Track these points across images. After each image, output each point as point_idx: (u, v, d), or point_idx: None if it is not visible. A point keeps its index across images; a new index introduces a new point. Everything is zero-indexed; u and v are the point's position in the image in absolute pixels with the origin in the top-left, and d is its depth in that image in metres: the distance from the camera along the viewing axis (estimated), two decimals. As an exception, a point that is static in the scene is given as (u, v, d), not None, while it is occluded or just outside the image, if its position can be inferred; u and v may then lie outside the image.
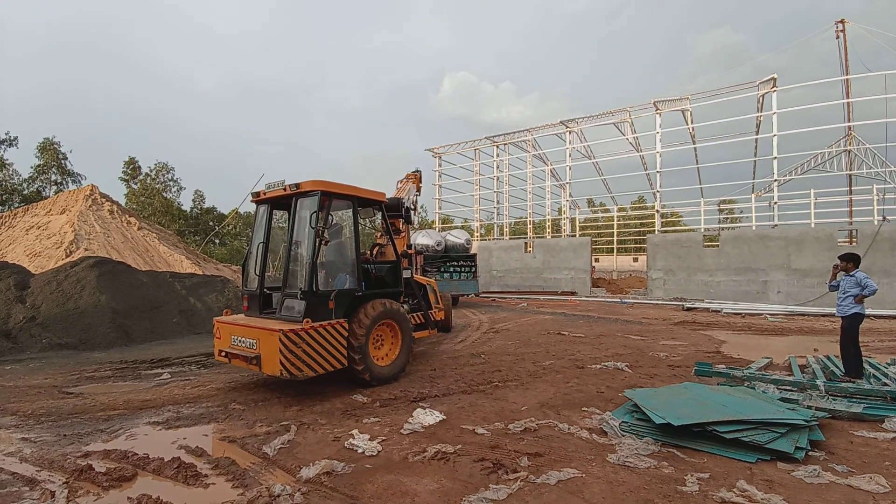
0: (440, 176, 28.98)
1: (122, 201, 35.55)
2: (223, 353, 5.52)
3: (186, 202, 43.48)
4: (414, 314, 7.30)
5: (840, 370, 6.16)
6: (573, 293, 21.20)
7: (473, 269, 17.57)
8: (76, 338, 9.04)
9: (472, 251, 18.99)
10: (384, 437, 4.02)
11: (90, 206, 16.39)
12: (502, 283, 23.95)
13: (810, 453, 3.57)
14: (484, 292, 23.06)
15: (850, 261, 6.03)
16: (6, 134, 29.30)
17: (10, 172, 28.96)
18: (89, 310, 9.51)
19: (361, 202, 6.14)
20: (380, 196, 6.31)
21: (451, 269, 17.26)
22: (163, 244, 16.77)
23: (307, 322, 4.98)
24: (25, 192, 30.22)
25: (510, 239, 27.42)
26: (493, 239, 28.16)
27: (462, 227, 31.32)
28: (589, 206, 46.41)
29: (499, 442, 3.90)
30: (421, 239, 17.56)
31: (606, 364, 6.92)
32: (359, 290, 5.77)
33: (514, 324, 12.23)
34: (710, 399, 4.27)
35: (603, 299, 19.72)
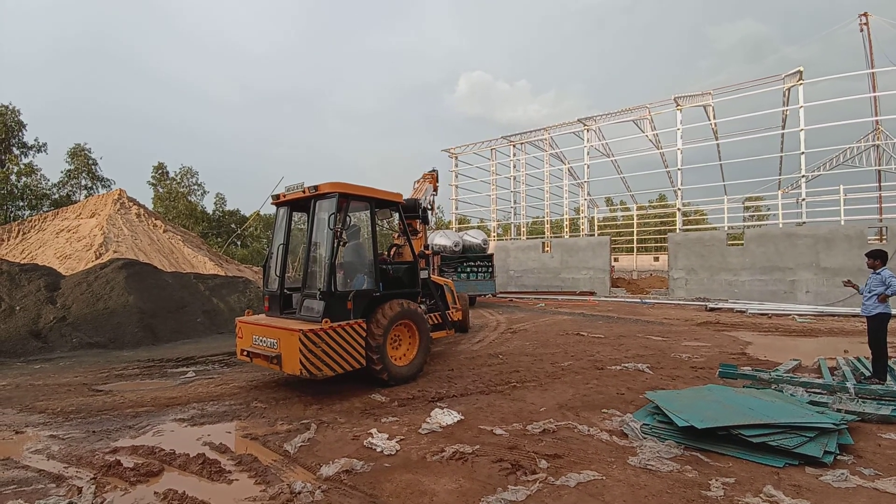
0: (456, 176, 28.98)
1: (149, 205, 36.79)
2: (245, 353, 5.64)
3: (209, 205, 44.66)
4: (431, 314, 7.32)
5: (869, 371, 5.95)
6: (592, 293, 20.93)
7: (490, 269, 17.52)
8: (105, 337, 9.35)
9: (489, 251, 18.91)
10: (402, 437, 4.05)
11: (118, 210, 16.94)
12: (520, 284, 23.81)
13: (839, 457, 3.45)
14: (501, 292, 22.96)
15: (877, 258, 5.79)
16: (35, 140, 30.46)
17: (39, 178, 30.07)
18: (118, 310, 9.83)
19: (378, 203, 6.20)
20: (396, 197, 6.35)
21: (469, 270, 17.25)
22: (187, 246, 17.22)
23: (326, 322, 5.05)
24: (55, 196, 31.37)
25: (527, 239, 27.24)
26: (511, 239, 28.00)
27: (479, 228, 31.28)
28: (608, 205, 45.73)
29: (517, 443, 3.88)
30: (438, 239, 17.59)
31: (626, 365, 6.82)
32: (376, 291, 5.82)
33: (532, 324, 12.14)
34: (735, 402, 4.16)
35: (623, 299, 19.42)
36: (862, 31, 22.40)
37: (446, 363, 7.26)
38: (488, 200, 29.08)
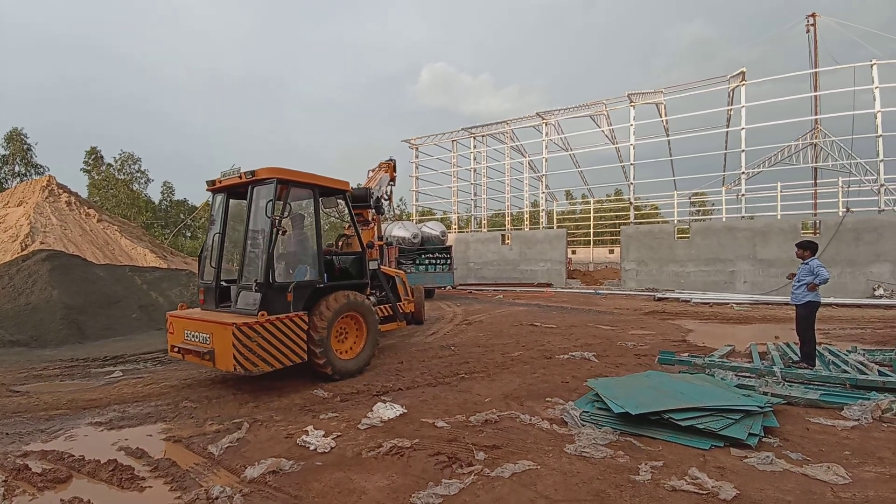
0: (417, 168, 28.70)
1: (86, 193, 34.18)
2: (176, 349, 5.28)
3: (155, 194, 42.10)
4: (381, 306, 7.15)
5: (798, 356, 6.30)
6: (549, 285, 21.36)
7: (449, 261, 17.47)
8: (27, 335, 8.58)
9: (448, 243, 18.85)
10: (339, 433, 3.89)
11: (47, 198, 15.57)
12: (479, 276, 23.96)
13: (764, 440, 3.59)
14: (461, 285, 23.02)
15: (807, 248, 6.13)
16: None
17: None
18: (41, 305, 9.04)
19: (323, 191, 5.94)
20: (343, 185, 6.11)
21: (427, 262, 17.13)
22: (125, 237, 16.10)
23: (262, 315, 4.79)
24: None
25: (487, 231, 27.42)
26: (471, 231, 28.11)
27: (440, 220, 31.18)
28: (567, 199, 46.78)
29: (457, 435, 3.81)
30: (397, 231, 17.35)
31: (574, 354, 6.93)
32: (320, 282, 5.58)
33: (488, 315, 12.20)
34: (669, 387, 4.28)
35: (578, 290, 19.93)
36: (808, 31, 23.79)
37: (397, 356, 7.13)
38: (449, 192, 29.04)
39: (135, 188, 34.69)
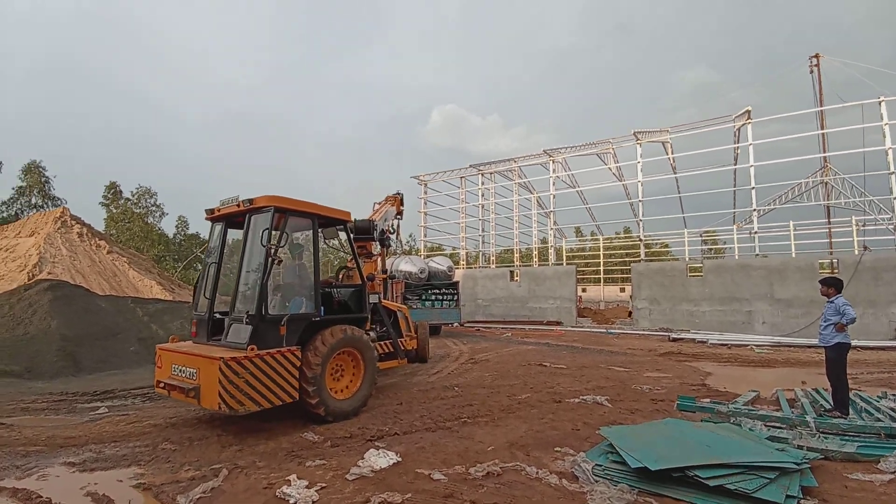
0: (426, 203, 28.86)
1: (103, 226, 34.87)
2: (162, 385, 4.99)
3: (170, 228, 42.78)
4: (381, 342, 6.83)
5: (829, 403, 5.81)
6: (559, 323, 20.78)
7: (456, 297, 17.11)
8: (22, 365, 8.37)
9: (456, 279, 18.55)
10: (324, 484, 3.52)
11: (58, 229, 15.78)
12: (487, 313, 23.46)
13: (802, 501, 3.16)
14: (468, 321, 22.52)
15: (831, 286, 5.75)
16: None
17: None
18: (38, 336, 8.87)
19: (324, 221, 5.78)
20: (344, 215, 5.96)
21: (433, 297, 16.80)
22: (133, 269, 16.13)
23: (252, 349, 4.52)
24: (4, 214, 29.35)
25: (496, 267, 27.12)
26: (479, 267, 27.84)
27: (448, 255, 31.04)
28: (577, 236, 46.58)
29: (455, 490, 3.42)
30: (404, 265, 17.14)
31: (585, 398, 6.48)
32: (316, 315, 5.32)
33: (495, 354, 11.74)
34: (692, 438, 3.86)
35: (589, 329, 19.33)
36: (812, 72, 24.03)
37: (396, 396, 6.73)
38: (457, 228, 29.03)
39: (149, 221, 35.30)
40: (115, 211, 35.86)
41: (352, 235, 6.49)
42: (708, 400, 6.43)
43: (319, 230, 5.77)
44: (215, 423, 5.18)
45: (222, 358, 4.34)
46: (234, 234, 5.83)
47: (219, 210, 5.48)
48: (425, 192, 28.92)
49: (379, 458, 4.00)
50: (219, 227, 5.69)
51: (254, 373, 4.49)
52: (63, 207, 17.32)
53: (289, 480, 3.55)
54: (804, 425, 4.83)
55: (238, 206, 5.16)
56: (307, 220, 5.48)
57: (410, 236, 43.71)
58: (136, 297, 12.06)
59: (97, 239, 16.77)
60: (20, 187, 30.18)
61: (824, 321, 5.62)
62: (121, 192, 36.68)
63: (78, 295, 10.15)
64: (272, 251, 4.76)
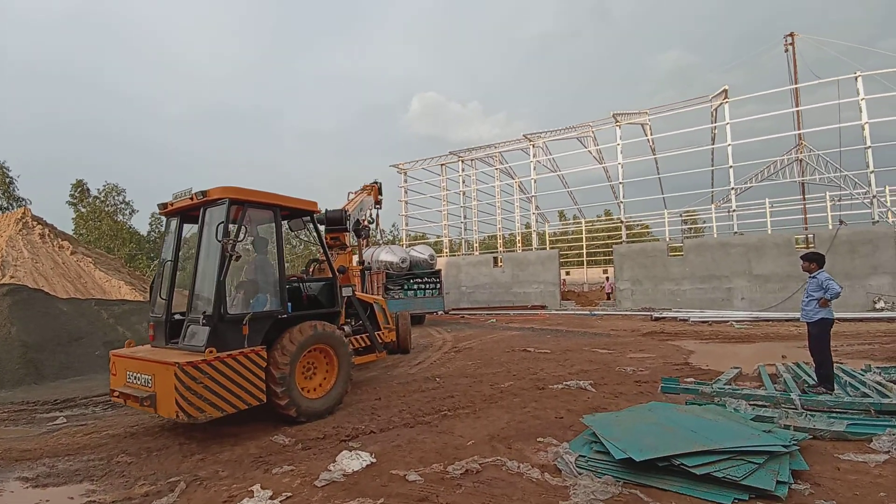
0: (406, 192, 28.41)
1: (69, 225, 33.47)
2: (117, 394, 4.63)
3: (143, 226, 41.37)
4: (357, 337, 6.56)
5: (812, 378, 5.77)
6: (543, 307, 20.79)
7: (438, 285, 16.88)
8: (-21, 376, 7.85)
9: (438, 267, 18.30)
10: (291, 493, 3.26)
11: (20, 230, 14.94)
12: (472, 300, 23.35)
13: (793, 487, 3.02)
14: (453, 309, 22.37)
15: (813, 261, 5.65)
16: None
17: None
18: (-4, 344, 8.33)
19: (287, 213, 5.43)
20: (310, 205, 5.61)
21: (416, 287, 16.52)
22: (99, 269, 15.41)
23: (210, 352, 4.20)
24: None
25: (479, 254, 26.95)
26: (462, 255, 27.63)
27: (430, 244, 30.70)
28: (560, 220, 46.64)
29: (430, 492, 3.20)
30: (384, 255, 16.79)
31: (569, 383, 6.33)
32: (282, 312, 5.01)
33: (479, 342, 11.58)
34: (677, 423, 3.71)
35: (573, 312, 19.38)
36: (787, 50, 24.14)
37: (375, 391, 6.49)
38: (439, 216, 28.69)
39: (119, 220, 34.01)
40: (83, 210, 34.46)
41: (320, 227, 6.16)
42: (692, 380, 6.36)
43: (284, 222, 5.43)
44: (178, 431, 4.86)
45: (177, 363, 4.01)
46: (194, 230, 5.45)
47: (172, 204, 5.08)
48: (405, 181, 28.46)
49: (351, 461, 3.76)
50: (174, 223, 5.29)
51: (213, 377, 4.17)
52: (25, 208, 16.43)
53: (252, 491, 3.28)
54: (789, 403, 4.76)
55: (191, 198, 4.77)
56: (268, 211, 5.11)
57: (394, 226, 43.21)
58: (100, 299, 11.49)
59: (60, 240, 15.96)
60: (-17, 189, 28.71)
61: (807, 297, 5.54)
62: (88, 190, 35.22)
63: (37, 299, 9.58)
64: (229, 246, 4.41)
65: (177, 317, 5.09)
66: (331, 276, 5.88)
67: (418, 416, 5.17)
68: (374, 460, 3.81)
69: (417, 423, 4.91)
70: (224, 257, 4.43)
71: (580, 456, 3.57)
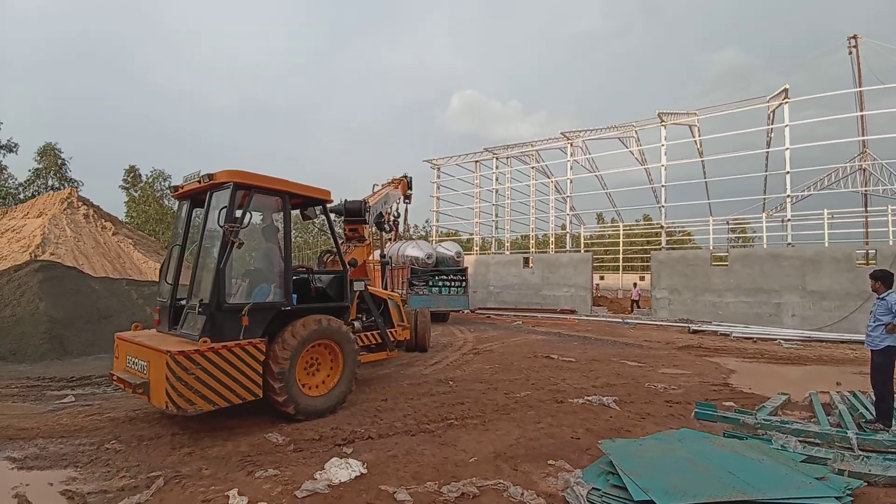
0: (438, 188, 28.13)
1: (124, 209, 35.29)
2: (116, 378, 4.54)
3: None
4: (368, 333, 6.30)
5: (870, 412, 5.04)
6: (572, 312, 20.02)
7: (464, 283, 16.50)
8: (7, 348, 8.16)
9: (465, 264, 17.90)
10: (267, 503, 2.99)
11: (64, 210, 15.71)
12: (499, 300, 22.82)
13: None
14: (480, 308, 21.95)
15: (879, 279, 4.91)
16: (8, 140, 29.07)
17: (6, 176, 28.63)
18: (25, 318, 8.64)
19: (301, 201, 5.21)
20: (322, 194, 5.36)
21: (441, 284, 16.21)
22: (138, 251, 16.00)
23: (204, 342, 4.00)
24: (21, 196, 29.89)
25: (510, 253, 26.34)
26: (492, 253, 27.11)
27: (461, 241, 30.33)
28: (598, 222, 45.17)
29: (417, 516, 2.85)
30: (410, 251, 16.58)
31: (591, 399, 5.82)
32: (286, 304, 4.78)
33: (501, 344, 11.14)
34: (712, 460, 3.19)
35: (604, 319, 18.55)
36: (850, 53, 22.21)
37: (383, 390, 6.20)
38: (471, 213, 28.25)
39: (165, 204, 35.56)
40: (135, 194, 36.26)
41: (332, 217, 5.92)
42: (731, 404, 5.72)
43: (297, 211, 5.21)
44: (175, 420, 4.73)
45: (169, 351, 3.84)
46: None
47: (182, 187, 4.95)
48: (438, 177, 28.17)
49: (340, 470, 3.46)
50: (184, 206, 5.17)
51: (206, 368, 3.98)
52: (72, 188, 17.28)
53: (227, 496, 3.04)
54: (845, 441, 4.11)
55: (199, 181, 4.61)
56: (276, 198, 4.89)
57: (427, 222, 43.11)
58: (131, 279, 11.83)
59: (104, 220, 16.69)
60: (36, 170, 30.60)
61: (873, 320, 4.81)
62: (140, 175, 37.04)
63: (69, 276, 9.91)
64: (232, 233, 4.21)
65: (182, 302, 4.98)
66: (342, 268, 5.62)
67: (422, 422, 4.83)
68: (365, 471, 3.51)
69: (420, 431, 4.57)
70: (225, 243, 4.24)
71: (593, 489, 3.12)
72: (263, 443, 4.16)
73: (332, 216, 7.46)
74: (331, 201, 5.52)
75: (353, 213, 7.34)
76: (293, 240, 5.62)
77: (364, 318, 6.38)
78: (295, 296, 4.93)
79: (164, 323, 4.96)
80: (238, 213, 4.42)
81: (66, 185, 30.58)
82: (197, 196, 4.97)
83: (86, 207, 16.51)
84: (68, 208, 15.88)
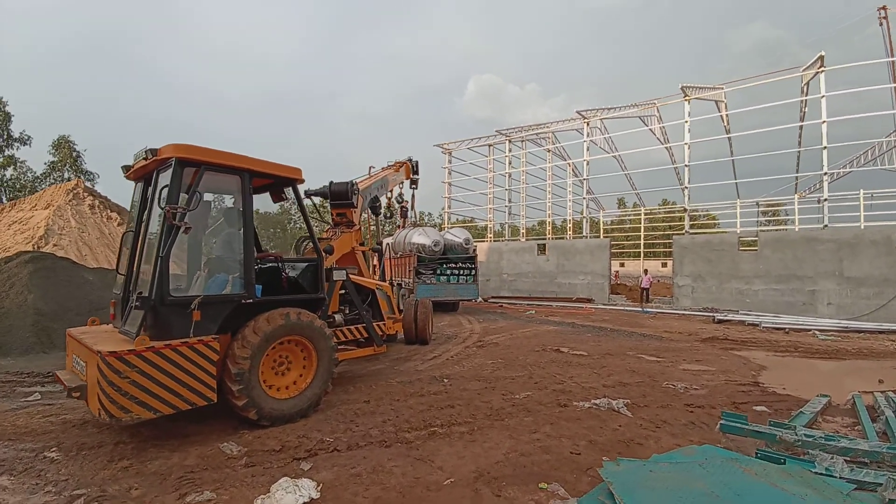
0: (450, 174, 27.37)
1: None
2: (60, 378, 4.10)
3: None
4: (352, 328, 5.75)
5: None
6: (589, 300, 19.18)
7: (473, 271, 15.85)
8: (-6, 342, 7.95)
9: (475, 252, 17.22)
10: (184, 542, 2.47)
11: (70, 201, 15.63)
12: (513, 288, 22.11)
13: None
14: (493, 297, 21.31)
15: None
16: (21, 132, 29.52)
17: (25, 170, 29.14)
18: (13, 310, 8.42)
19: (273, 182, 4.63)
20: (290, 172, 4.77)
21: (449, 272, 15.60)
22: (144, 240, 15.87)
23: (142, 341, 3.49)
24: (38, 189, 30.44)
25: (525, 241, 25.51)
26: (505, 240, 26.32)
27: (479, 229, 29.59)
28: (619, 207, 43.65)
29: (360, 566, 2.28)
30: (417, 238, 15.97)
31: (598, 402, 5.15)
32: (248, 297, 4.25)
33: (509, 336, 10.51)
34: (741, 497, 2.51)
35: (622, 308, 17.68)
36: (881, 24, 20.35)
37: (369, 390, 5.66)
38: (484, 199, 27.44)
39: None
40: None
41: (318, 200, 5.35)
42: (763, 409, 4.98)
43: (264, 194, 4.65)
44: (127, 427, 4.25)
45: (100, 352, 3.34)
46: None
47: (133, 167, 4.43)
48: (449, 162, 27.39)
49: (286, 494, 2.92)
50: (138, 188, 4.66)
51: (144, 370, 3.47)
52: (78, 179, 17.25)
53: (141, 531, 2.53)
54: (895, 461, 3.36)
55: (145, 158, 4.08)
56: (234, 176, 4.31)
57: (443, 209, 42.42)
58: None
59: (110, 211, 16.59)
60: (52, 162, 31.05)
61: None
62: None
63: (61, 267, 9.68)
64: (175, 216, 3.66)
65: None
66: (315, 256, 5.04)
67: (402, 430, 4.26)
68: (317, 496, 2.96)
69: (396, 442, 4.00)
70: (169, 228, 3.70)
71: (588, 528, 2.50)
72: (215, 454, 3.66)
73: (318, 200, 6.94)
74: (301, 181, 4.92)
75: (339, 195, 6.77)
76: (297, 228, 5.07)
77: (347, 311, 5.83)
78: (259, 287, 4.39)
79: (118, 318, 4.49)
80: (185, 194, 3.87)
81: (81, 177, 30.99)
82: (148, 176, 4.44)
83: (91, 198, 16.43)
84: (74, 199, 15.80)
